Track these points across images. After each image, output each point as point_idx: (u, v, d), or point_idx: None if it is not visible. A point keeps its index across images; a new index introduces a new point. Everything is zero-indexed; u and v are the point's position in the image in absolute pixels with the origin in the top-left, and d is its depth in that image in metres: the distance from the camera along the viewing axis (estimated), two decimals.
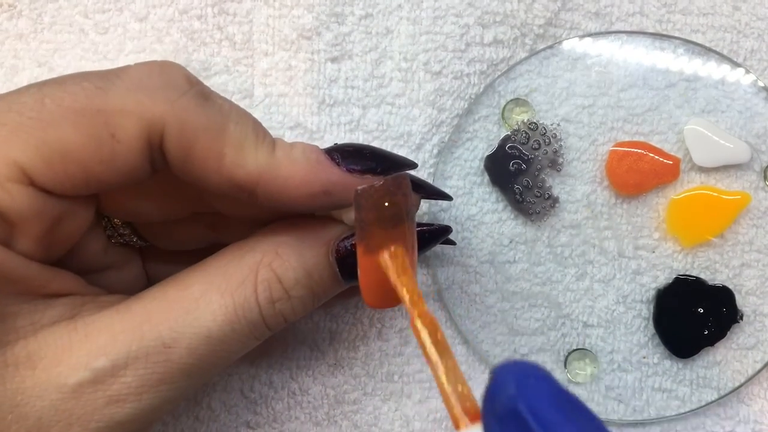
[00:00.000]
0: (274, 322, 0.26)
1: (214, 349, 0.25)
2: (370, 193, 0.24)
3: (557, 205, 0.35)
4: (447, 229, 0.30)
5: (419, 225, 0.28)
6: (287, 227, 0.27)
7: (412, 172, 0.31)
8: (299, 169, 0.25)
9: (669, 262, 0.35)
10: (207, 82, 0.35)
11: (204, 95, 0.25)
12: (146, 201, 0.28)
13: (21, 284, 0.24)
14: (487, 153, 0.35)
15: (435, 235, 0.30)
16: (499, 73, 0.36)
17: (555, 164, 0.35)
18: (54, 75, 0.35)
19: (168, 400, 0.25)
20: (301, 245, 0.26)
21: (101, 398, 0.24)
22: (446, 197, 0.32)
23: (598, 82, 0.35)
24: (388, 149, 0.35)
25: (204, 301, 0.25)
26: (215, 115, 0.25)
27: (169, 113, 0.24)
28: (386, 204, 0.24)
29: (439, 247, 0.35)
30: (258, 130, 0.26)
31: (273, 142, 0.26)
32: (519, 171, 0.35)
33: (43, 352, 0.24)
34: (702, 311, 0.34)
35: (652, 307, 0.35)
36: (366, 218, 0.24)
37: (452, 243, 0.34)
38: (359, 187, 0.24)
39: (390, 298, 0.24)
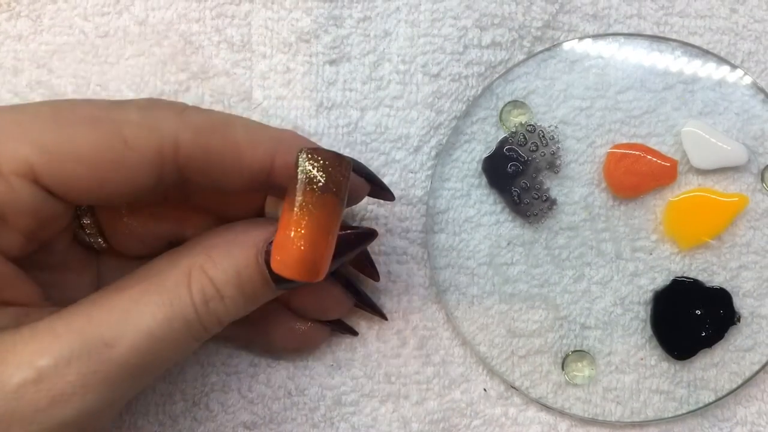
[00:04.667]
0: (208, 321, 0.27)
1: (156, 348, 0.25)
2: (313, 154, 0.25)
3: (555, 207, 0.35)
4: (372, 233, 0.31)
5: (343, 227, 0.29)
6: (220, 231, 0.28)
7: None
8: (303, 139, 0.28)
9: (666, 264, 0.35)
10: (205, 85, 0.35)
11: (199, 108, 0.27)
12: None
13: None
14: (485, 155, 0.35)
15: (360, 238, 0.30)
16: (497, 75, 0.36)
17: (553, 166, 0.35)
18: (53, 77, 0.35)
19: (110, 402, 0.25)
20: (232, 246, 0.27)
21: (44, 399, 0.24)
22: (389, 196, 0.33)
23: (596, 84, 0.35)
24: (386, 151, 0.36)
25: (143, 302, 0.26)
26: (217, 114, 0.27)
27: (181, 124, 0.26)
28: (325, 168, 0.25)
29: (438, 248, 0.35)
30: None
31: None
32: (517, 173, 0.35)
33: None
34: (699, 313, 0.34)
35: (649, 308, 0.35)
36: (299, 177, 0.25)
37: (376, 279, 0.34)
38: (306, 147, 0.25)
39: (302, 268, 0.25)
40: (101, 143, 0.25)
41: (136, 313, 0.25)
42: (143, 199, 0.28)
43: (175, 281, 0.26)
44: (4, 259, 0.25)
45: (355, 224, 0.35)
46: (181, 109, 0.27)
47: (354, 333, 0.35)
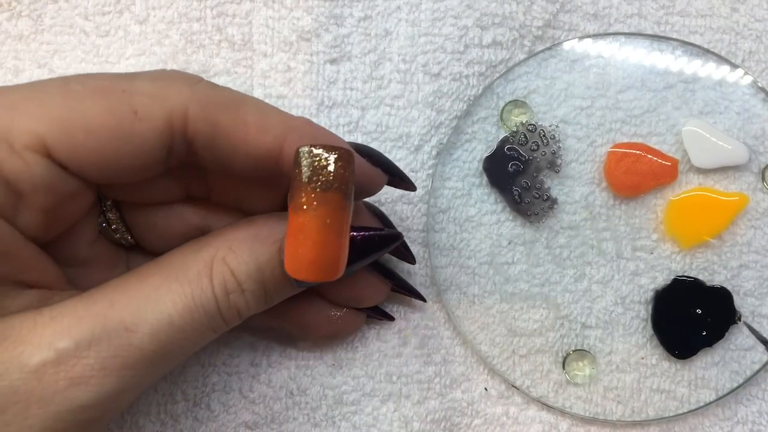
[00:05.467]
0: (229, 314, 0.27)
1: (175, 337, 0.26)
2: (310, 152, 0.24)
3: (556, 206, 0.35)
4: (398, 236, 0.30)
5: (368, 228, 0.29)
6: (243, 225, 0.28)
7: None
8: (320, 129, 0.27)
9: (667, 263, 0.35)
10: None
11: (213, 83, 0.27)
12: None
13: (9, 265, 0.25)
14: (486, 154, 0.35)
15: (384, 240, 0.30)
16: (498, 74, 0.36)
17: (553, 165, 0.35)
18: (54, 76, 0.35)
19: (128, 388, 0.25)
20: (254, 242, 0.27)
21: (63, 380, 0.24)
22: (410, 187, 0.32)
23: (597, 84, 0.35)
24: (387, 151, 0.36)
25: (164, 290, 0.26)
26: (231, 92, 0.27)
27: (191, 97, 0.25)
28: (325, 164, 0.24)
29: (439, 247, 0.35)
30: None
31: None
32: (517, 172, 0.35)
33: (8, 332, 0.24)
34: (700, 312, 0.34)
35: (650, 308, 0.35)
36: (300, 176, 0.24)
37: (412, 261, 0.34)
38: (302, 146, 0.24)
39: (315, 269, 0.24)
40: (111, 114, 0.24)
41: (156, 300, 0.25)
42: (156, 174, 0.27)
43: (196, 271, 0.26)
44: (24, 240, 0.25)
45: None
46: (195, 81, 0.26)
47: (391, 318, 0.35)
